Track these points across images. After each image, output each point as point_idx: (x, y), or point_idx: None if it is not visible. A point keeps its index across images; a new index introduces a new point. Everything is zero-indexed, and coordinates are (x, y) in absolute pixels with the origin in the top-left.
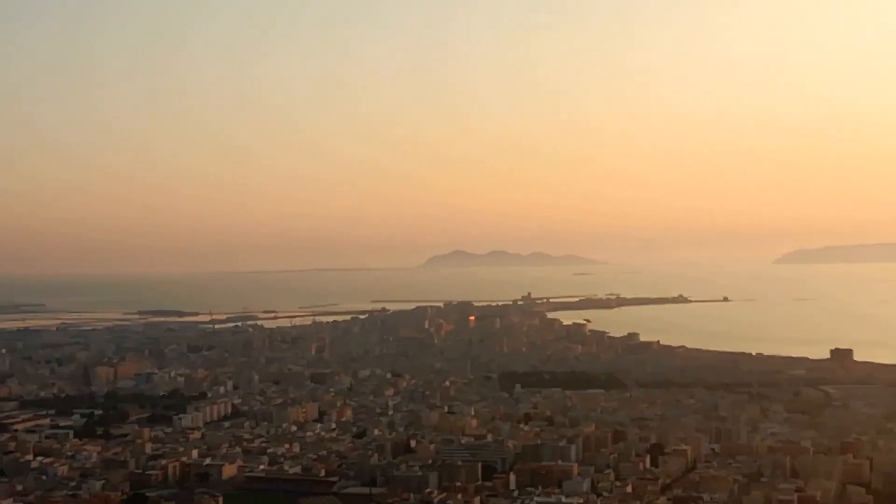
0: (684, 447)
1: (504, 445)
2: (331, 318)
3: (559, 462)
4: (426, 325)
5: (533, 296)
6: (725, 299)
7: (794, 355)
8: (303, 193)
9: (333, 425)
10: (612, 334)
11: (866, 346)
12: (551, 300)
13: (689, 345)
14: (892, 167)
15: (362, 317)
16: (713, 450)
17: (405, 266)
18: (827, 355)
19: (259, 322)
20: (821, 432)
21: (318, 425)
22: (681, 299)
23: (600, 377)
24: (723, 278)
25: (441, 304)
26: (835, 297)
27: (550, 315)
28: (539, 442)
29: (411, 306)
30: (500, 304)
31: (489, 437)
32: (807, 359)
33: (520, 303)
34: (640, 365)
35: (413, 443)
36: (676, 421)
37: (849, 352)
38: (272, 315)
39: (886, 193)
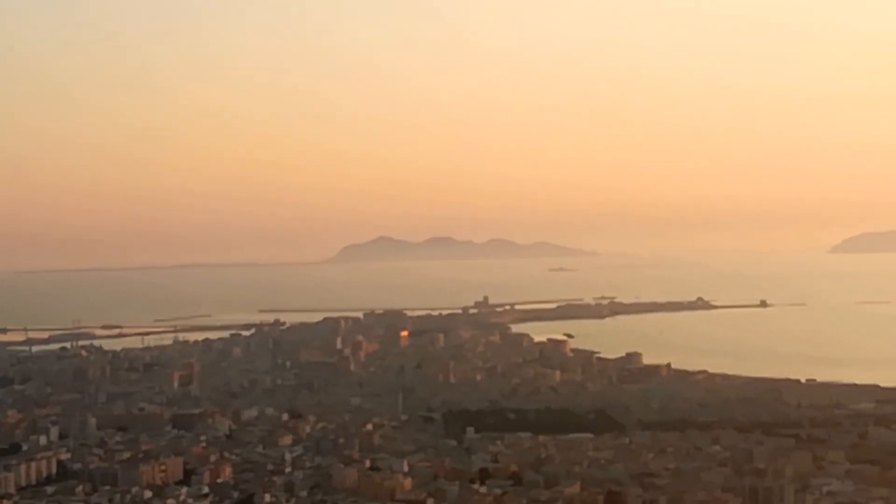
0: None
1: None
2: (201, 336)
3: None
4: (338, 345)
5: (491, 301)
6: (764, 304)
7: (858, 382)
8: (159, 169)
9: (206, 489)
10: (603, 355)
11: None
12: (517, 307)
13: (713, 369)
14: None
15: (246, 333)
16: None
17: (309, 260)
18: None
19: (96, 342)
20: None
21: (184, 489)
22: (701, 304)
23: (588, 416)
24: (760, 274)
25: (360, 315)
26: None
27: (516, 328)
28: None
29: (317, 318)
30: (444, 312)
31: None
32: (877, 387)
33: (473, 311)
34: (643, 398)
35: None
36: (695, 477)
37: None
38: (115, 332)
39: None
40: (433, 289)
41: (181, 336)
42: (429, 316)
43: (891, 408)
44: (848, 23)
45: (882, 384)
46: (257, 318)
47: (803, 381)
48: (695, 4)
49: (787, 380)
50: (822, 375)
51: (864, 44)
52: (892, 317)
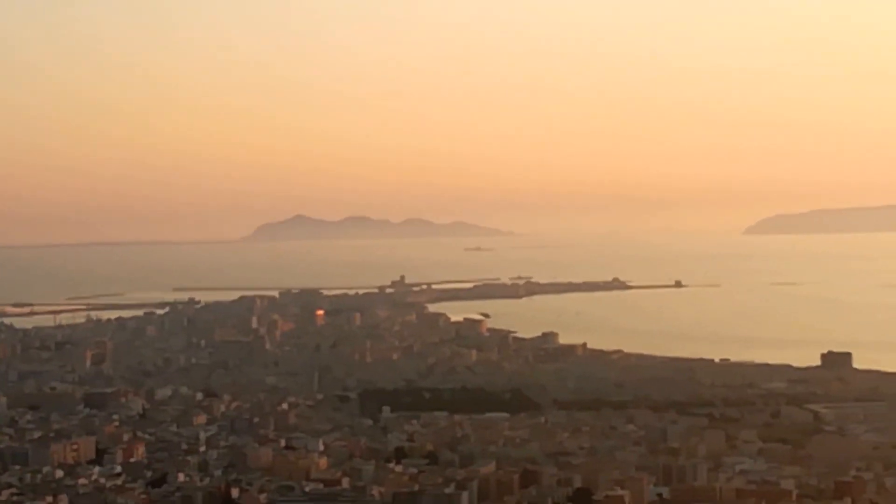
0: (620, 492)
1: (366, 494)
2: (114, 315)
3: None
4: (254, 324)
5: (408, 280)
6: (679, 284)
7: (772, 362)
8: (70, 143)
9: (118, 469)
10: (520, 335)
11: (869, 347)
12: (434, 286)
13: (628, 349)
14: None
15: (160, 312)
16: (660, 495)
17: (224, 238)
18: (817, 362)
19: (7, 320)
20: (808, 468)
21: (96, 469)
22: (617, 284)
23: (504, 395)
24: (676, 255)
25: (276, 294)
26: (826, 280)
27: (433, 307)
28: (417, 488)
29: (232, 296)
30: (360, 292)
31: (345, 483)
32: (789, 367)
33: (389, 290)
34: (558, 378)
35: (235, 492)
36: (610, 456)
37: (846, 357)
38: (27, 310)
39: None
40: (350, 268)
41: (94, 314)
42: (345, 295)
43: (803, 387)
44: None
45: (794, 364)
46: (171, 296)
47: (717, 360)
48: None
49: (701, 359)
50: (736, 355)
51: (782, 20)
52: (805, 297)
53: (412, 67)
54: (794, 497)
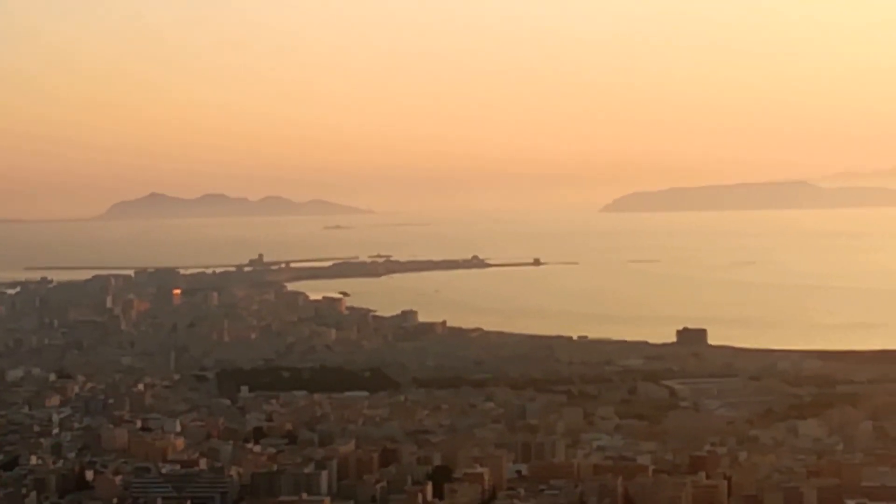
0: (480, 470)
1: (224, 474)
2: None
3: (304, 496)
4: (108, 304)
5: (266, 259)
6: (537, 262)
7: (629, 339)
8: None
9: None
10: (379, 313)
11: (724, 324)
12: (293, 265)
13: (488, 327)
14: (752, 96)
15: (11, 291)
16: (519, 472)
17: (77, 217)
18: (672, 338)
19: None
20: (664, 444)
21: None
22: (476, 262)
23: (363, 374)
24: (534, 233)
25: (131, 273)
26: (682, 257)
27: (291, 286)
28: (276, 468)
29: (86, 276)
30: (217, 271)
31: (203, 464)
32: (646, 343)
33: (247, 269)
34: (418, 356)
35: (90, 474)
36: (469, 434)
37: (701, 333)
38: None
39: (745, 125)
40: (207, 246)
41: None
42: (202, 274)
43: (659, 364)
44: None
45: (651, 341)
46: (23, 275)
47: (575, 338)
48: None
49: (560, 337)
50: (594, 333)
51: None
52: (662, 275)
53: (272, 43)
54: (650, 472)
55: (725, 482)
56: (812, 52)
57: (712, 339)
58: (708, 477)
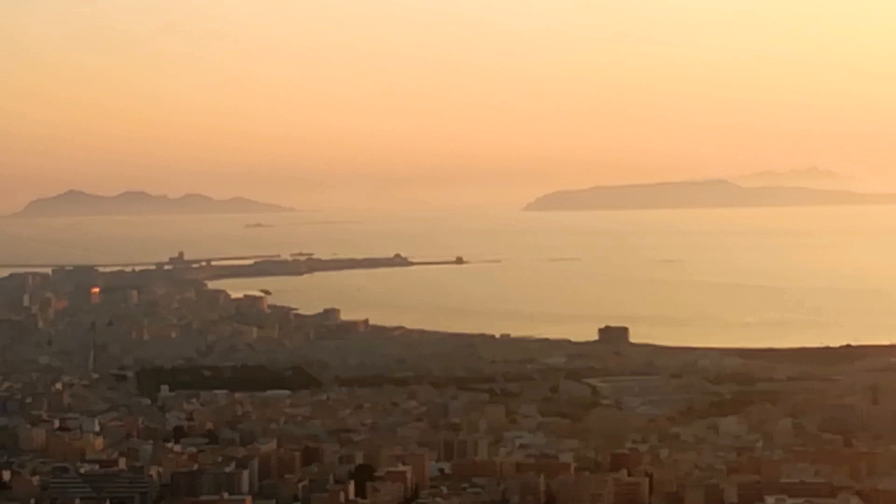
0: (402, 468)
1: (144, 474)
2: None
3: (225, 495)
4: (26, 302)
5: (187, 257)
6: (460, 261)
7: (551, 337)
8: None
9: None
10: (301, 312)
11: (645, 322)
12: (213, 263)
13: (410, 325)
14: (673, 95)
15: None
16: (442, 471)
17: None
18: (594, 337)
19: None
20: (586, 442)
21: None
22: (399, 261)
23: (285, 373)
24: (457, 232)
25: (48, 271)
26: (604, 256)
27: (212, 285)
28: (196, 467)
29: (2, 274)
30: (137, 269)
31: (122, 463)
32: (568, 342)
33: (168, 267)
34: (341, 354)
35: (7, 475)
36: (392, 432)
37: (623, 331)
38: None
39: (666, 123)
40: (126, 244)
41: None
42: (121, 272)
43: (581, 362)
44: None
45: (573, 339)
46: None
47: (498, 336)
48: None
49: (482, 335)
50: (516, 331)
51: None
52: (584, 273)
53: (186, 42)
54: (572, 470)
55: (647, 479)
56: (730, 51)
57: (634, 338)
58: (630, 474)
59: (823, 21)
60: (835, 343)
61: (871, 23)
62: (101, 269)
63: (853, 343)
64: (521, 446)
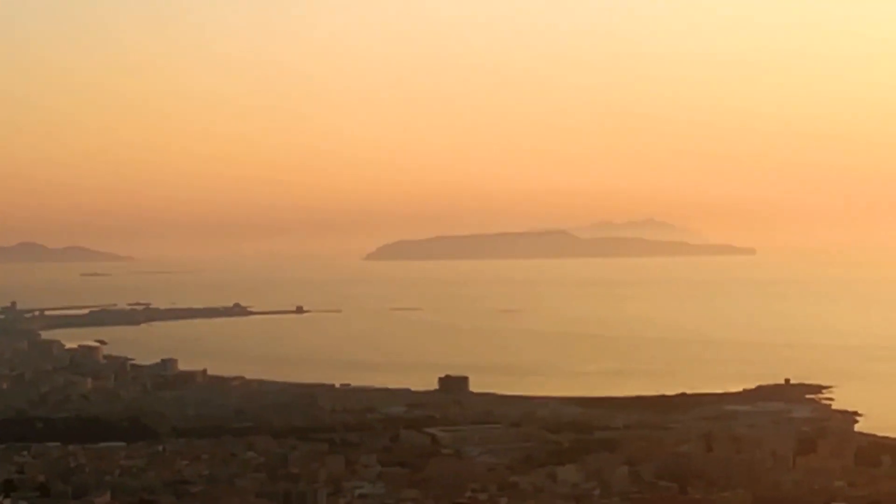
0: None
1: None
2: None
3: None
4: None
5: (20, 306)
6: (300, 310)
7: (391, 386)
8: None
9: None
10: (137, 362)
11: (486, 371)
12: (47, 312)
13: (249, 375)
14: (510, 140)
15: None
16: None
17: None
18: (434, 385)
19: None
20: (425, 491)
21: None
22: (238, 310)
23: (120, 424)
24: (297, 281)
25: None
26: (445, 305)
27: (46, 335)
28: None
29: None
30: None
31: None
32: (408, 391)
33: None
34: (178, 405)
35: None
36: (230, 483)
37: (463, 380)
38: None
39: (505, 173)
40: None
41: None
42: None
43: (421, 411)
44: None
45: (413, 388)
46: None
47: (338, 385)
48: None
49: (322, 385)
50: (356, 380)
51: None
52: (424, 322)
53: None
54: None
55: None
56: (560, 98)
57: (474, 387)
58: None
59: (656, 80)
60: (670, 391)
61: (700, 79)
62: None
63: (688, 391)
64: (361, 496)
